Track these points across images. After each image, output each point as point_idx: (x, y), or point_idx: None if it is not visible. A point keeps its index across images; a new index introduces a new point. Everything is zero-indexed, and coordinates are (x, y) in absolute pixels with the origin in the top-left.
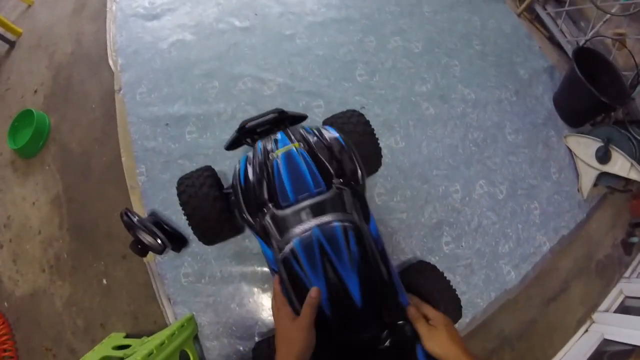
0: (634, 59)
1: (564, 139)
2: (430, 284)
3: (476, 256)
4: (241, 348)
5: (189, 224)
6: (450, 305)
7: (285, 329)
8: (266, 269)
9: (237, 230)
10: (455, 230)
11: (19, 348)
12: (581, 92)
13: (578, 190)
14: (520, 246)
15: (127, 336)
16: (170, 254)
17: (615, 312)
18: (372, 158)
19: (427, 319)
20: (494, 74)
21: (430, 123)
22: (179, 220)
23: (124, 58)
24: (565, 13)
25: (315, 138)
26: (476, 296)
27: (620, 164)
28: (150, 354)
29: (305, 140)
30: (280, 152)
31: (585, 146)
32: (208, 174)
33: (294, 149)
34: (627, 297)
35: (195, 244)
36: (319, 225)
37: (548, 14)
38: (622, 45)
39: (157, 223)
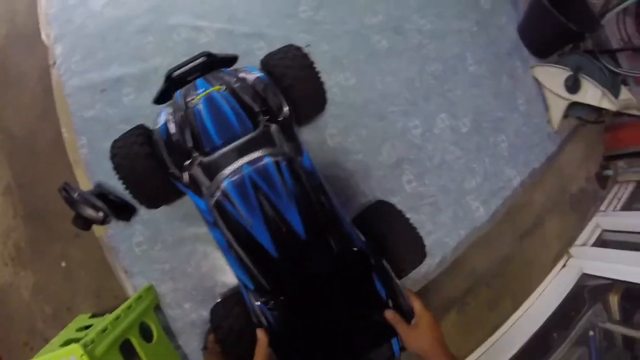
0: None
1: (531, 69)
2: (387, 225)
3: (441, 193)
4: (204, 313)
5: (126, 188)
6: (411, 246)
7: None
8: None
9: (177, 193)
10: (417, 168)
11: None
12: (547, 21)
13: (548, 122)
14: (488, 181)
15: (92, 316)
16: (120, 224)
17: (592, 246)
18: (315, 95)
19: (410, 315)
20: (453, 4)
21: (383, 57)
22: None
23: (57, 29)
24: None
25: (236, 79)
26: (445, 235)
27: (591, 93)
28: (104, 330)
29: (226, 83)
30: (200, 97)
31: (553, 76)
32: (139, 132)
33: (215, 92)
34: (604, 230)
35: (143, 211)
36: (249, 163)
37: None
38: None
39: (102, 194)
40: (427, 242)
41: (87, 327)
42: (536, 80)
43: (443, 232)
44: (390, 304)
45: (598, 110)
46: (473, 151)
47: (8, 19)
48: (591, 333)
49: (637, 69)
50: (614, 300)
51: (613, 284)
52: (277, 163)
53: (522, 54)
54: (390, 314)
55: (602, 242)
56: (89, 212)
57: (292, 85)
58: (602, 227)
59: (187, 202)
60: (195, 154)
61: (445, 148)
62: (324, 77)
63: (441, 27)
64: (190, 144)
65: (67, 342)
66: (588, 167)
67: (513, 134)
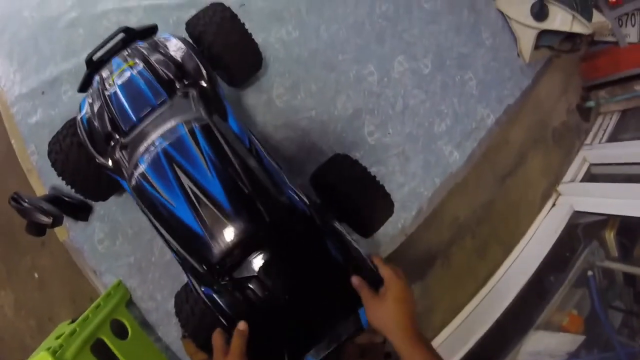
0: None
1: (493, 0)
2: (344, 180)
3: (408, 141)
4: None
5: (66, 184)
6: (375, 198)
7: None
8: None
9: (115, 185)
10: (378, 117)
11: None
12: None
13: (518, 54)
14: (460, 122)
15: (72, 321)
16: (80, 224)
17: (581, 181)
18: (249, 56)
19: (378, 285)
20: None
21: (326, 3)
22: None
23: None
24: None
25: (151, 50)
26: (418, 185)
27: (560, 18)
28: (72, 332)
29: (140, 56)
30: (114, 77)
31: (518, 5)
32: (70, 124)
33: (128, 68)
34: (592, 164)
35: (98, 207)
36: (162, 135)
37: None
38: None
39: (57, 197)
40: (400, 194)
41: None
42: (500, 12)
43: (416, 182)
44: (351, 269)
45: (571, 38)
46: (438, 92)
47: None
48: (590, 273)
49: None
50: (609, 236)
51: (607, 220)
52: (190, 129)
53: None
54: (355, 279)
55: (591, 177)
56: (39, 217)
57: (223, 51)
58: (590, 161)
59: None
60: (116, 137)
61: (407, 92)
62: (263, 34)
63: None
64: (109, 127)
65: (47, 351)
66: (568, 99)
67: (481, 70)
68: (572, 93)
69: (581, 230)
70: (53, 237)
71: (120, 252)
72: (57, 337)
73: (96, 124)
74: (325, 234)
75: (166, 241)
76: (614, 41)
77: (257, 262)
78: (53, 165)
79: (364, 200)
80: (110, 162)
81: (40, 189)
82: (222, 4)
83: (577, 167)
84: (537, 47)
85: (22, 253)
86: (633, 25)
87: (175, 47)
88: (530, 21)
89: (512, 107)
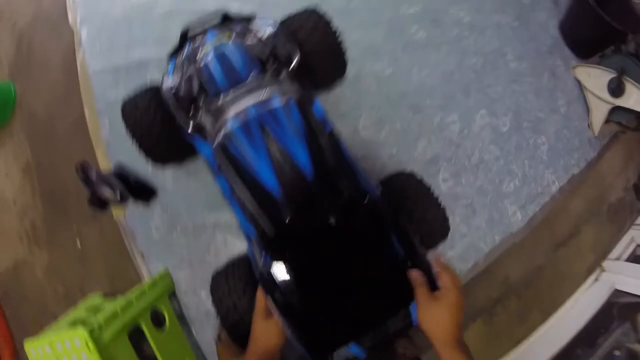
0: None
1: (572, 69)
2: (408, 194)
3: (478, 195)
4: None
5: (134, 141)
6: (433, 218)
7: (254, 325)
8: None
9: (189, 150)
10: (454, 166)
11: (10, 324)
12: (590, 19)
13: (588, 126)
14: (527, 185)
15: (104, 297)
16: (139, 207)
17: (626, 260)
18: (336, 62)
19: (434, 285)
20: None
21: (421, 48)
22: (146, 169)
23: (83, 12)
24: None
25: (246, 30)
26: (479, 239)
27: (635, 98)
28: (114, 314)
29: (235, 31)
30: (208, 47)
31: (596, 78)
32: (150, 89)
33: (224, 39)
34: (638, 245)
35: (163, 194)
36: (254, 103)
37: None
38: None
39: (122, 175)
40: (460, 245)
41: (96, 308)
42: (577, 81)
43: (477, 236)
44: (409, 263)
45: (638, 113)
46: (512, 152)
47: (34, 2)
48: (617, 352)
49: None
50: None
51: None
52: (286, 101)
53: (563, 53)
54: (415, 274)
55: (636, 258)
56: (106, 191)
57: (313, 51)
58: (637, 241)
59: (207, 189)
60: (201, 100)
61: (484, 147)
62: (357, 65)
63: (480, 20)
64: (196, 90)
65: (75, 322)
66: (627, 176)
67: (554, 136)
68: (632, 170)
69: (617, 309)
70: (107, 213)
71: (175, 243)
72: (88, 309)
73: (182, 87)
74: (391, 226)
75: (241, 200)
76: None
77: (323, 235)
78: (125, 121)
79: (425, 217)
80: (191, 124)
81: (106, 164)
82: (318, 12)
83: (624, 245)
84: (606, 121)
85: (69, 220)
86: None
87: (270, 32)
88: (606, 95)
89: (576, 177)
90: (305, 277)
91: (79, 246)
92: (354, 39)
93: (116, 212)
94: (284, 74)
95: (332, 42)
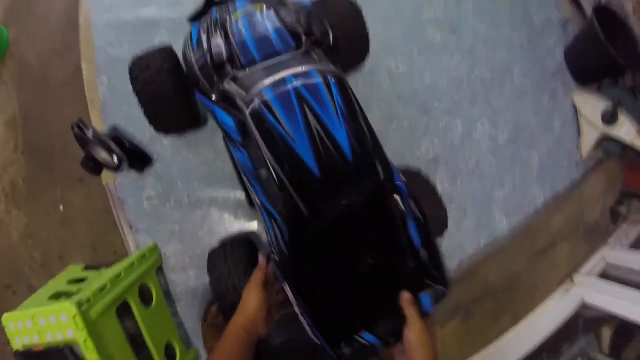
0: None
1: (572, 93)
2: (418, 194)
3: (470, 199)
4: (209, 284)
5: (140, 103)
6: (435, 213)
7: (247, 295)
8: (239, 194)
9: (196, 119)
10: (452, 169)
11: None
12: (596, 50)
13: (577, 148)
14: (515, 195)
15: (86, 268)
16: (131, 174)
17: (596, 277)
18: (360, 44)
19: (438, 281)
20: (508, 15)
21: (436, 52)
22: (143, 135)
23: None
24: None
25: (279, 2)
26: (465, 241)
27: (626, 128)
28: (102, 288)
29: (268, 2)
30: (239, 14)
31: (592, 105)
32: (164, 49)
33: (255, 10)
34: (608, 264)
35: (159, 164)
36: (293, 74)
37: None
38: None
39: (117, 138)
40: (448, 244)
41: (78, 280)
42: (574, 106)
43: (464, 237)
44: (424, 254)
45: (625, 146)
46: (507, 162)
47: None
48: None
49: None
50: (607, 333)
51: (608, 318)
52: (325, 77)
53: (565, 78)
54: (406, 296)
55: (604, 275)
56: (103, 154)
57: (340, 36)
58: (607, 260)
59: (208, 162)
60: (229, 68)
61: (481, 155)
62: (374, 59)
63: (495, 35)
64: (224, 55)
65: (56, 295)
66: (605, 200)
67: (545, 154)
68: (610, 196)
69: (583, 321)
70: (95, 177)
71: (168, 216)
72: (69, 282)
73: (208, 51)
74: (412, 215)
75: (268, 176)
76: None
77: (350, 216)
78: (133, 80)
79: (428, 211)
80: (215, 91)
81: (99, 125)
82: None
83: (595, 262)
84: (594, 147)
85: (53, 181)
86: None
87: (305, 8)
88: (599, 122)
89: (560, 195)
90: (328, 262)
91: (62, 210)
92: (374, 32)
93: (106, 177)
94: (318, 52)
95: (360, 30)
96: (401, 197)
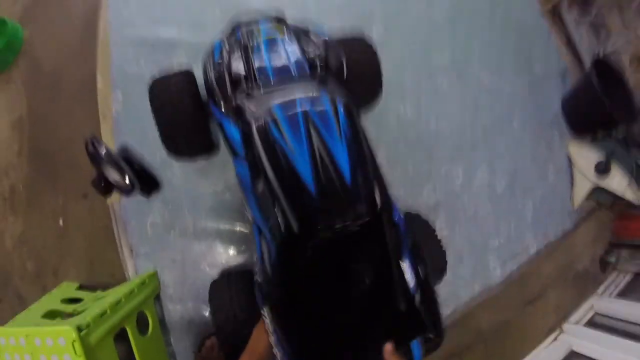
0: None
1: (567, 145)
2: (419, 237)
3: (467, 246)
4: (206, 314)
5: (156, 121)
6: (436, 259)
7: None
8: (245, 229)
9: (209, 145)
10: (451, 216)
11: None
12: (592, 101)
13: (570, 199)
14: (510, 243)
15: (80, 287)
16: (138, 197)
17: (585, 325)
18: (374, 89)
19: (431, 330)
20: (511, 62)
21: (442, 98)
22: (153, 158)
23: None
24: (588, 22)
25: (301, 32)
26: (460, 288)
27: (617, 181)
28: (103, 314)
29: (290, 31)
30: (262, 37)
31: (585, 156)
32: (186, 72)
33: (278, 35)
34: (597, 313)
35: (167, 190)
36: (304, 98)
37: (573, 19)
38: None
39: (127, 159)
40: (443, 291)
41: (73, 300)
42: (568, 156)
43: (460, 284)
44: (418, 299)
45: (616, 197)
46: (503, 211)
47: None
48: None
49: None
50: None
51: None
52: (333, 102)
53: (561, 127)
54: (388, 348)
55: (593, 323)
56: (116, 177)
57: (356, 74)
58: (596, 309)
59: (217, 195)
60: (244, 85)
61: (480, 203)
62: (384, 101)
63: (498, 83)
64: (243, 72)
65: (50, 313)
66: (595, 249)
67: (539, 202)
68: (599, 245)
69: None
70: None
71: (170, 244)
72: (63, 300)
73: (228, 65)
74: (408, 254)
75: (264, 190)
76: None
77: (343, 244)
78: (152, 99)
79: (430, 257)
80: (228, 105)
81: (110, 141)
82: (368, 39)
83: (584, 311)
84: (586, 197)
85: (56, 191)
86: None
87: (324, 40)
88: (591, 174)
89: (552, 243)
90: (313, 288)
91: (61, 223)
92: (385, 75)
93: (111, 197)
94: (331, 81)
95: (374, 72)
96: (398, 234)
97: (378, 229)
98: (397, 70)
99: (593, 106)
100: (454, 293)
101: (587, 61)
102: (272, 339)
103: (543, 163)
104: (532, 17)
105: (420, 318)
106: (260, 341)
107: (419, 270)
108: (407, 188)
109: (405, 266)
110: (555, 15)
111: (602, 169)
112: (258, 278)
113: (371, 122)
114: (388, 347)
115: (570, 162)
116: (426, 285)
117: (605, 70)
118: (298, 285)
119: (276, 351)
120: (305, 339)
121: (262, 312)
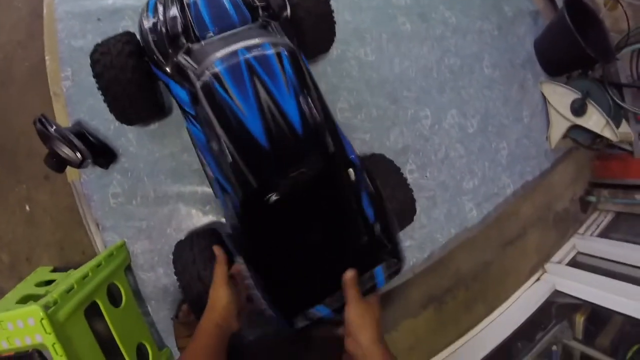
0: (627, 21)
1: (540, 84)
2: (383, 177)
3: (440, 189)
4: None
5: (100, 89)
6: (401, 195)
7: (213, 292)
8: (207, 189)
9: (159, 107)
10: (421, 159)
11: None
12: (566, 42)
13: (546, 138)
14: (485, 185)
15: (54, 270)
16: (97, 171)
17: (567, 265)
18: (325, 31)
19: (395, 254)
20: (479, 4)
21: (406, 40)
22: (107, 129)
23: None
24: None
25: None
26: (436, 231)
27: (595, 120)
28: (70, 289)
29: None
30: None
31: (561, 96)
32: (125, 34)
33: None
34: (579, 252)
35: (124, 159)
36: (245, 47)
37: None
38: (616, 4)
39: (81, 134)
40: (419, 234)
41: (47, 283)
42: (543, 96)
43: (435, 227)
44: (378, 228)
45: (595, 136)
46: (475, 152)
47: None
48: (554, 348)
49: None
50: (580, 319)
51: (581, 305)
52: (277, 51)
53: (535, 68)
54: (350, 274)
55: (575, 263)
56: (66, 151)
57: (305, 16)
58: (578, 249)
59: (174, 156)
60: (183, 40)
61: (450, 144)
62: (343, 46)
63: (465, 23)
64: (179, 28)
65: (25, 298)
66: (574, 189)
67: (514, 143)
68: (579, 185)
69: (556, 308)
70: (60, 174)
71: (134, 213)
72: (38, 284)
73: (164, 23)
74: (366, 189)
75: (219, 150)
76: (630, 150)
77: (302, 190)
78: (93, 64)
79: (396, 200)
80: (169, 64)
81: (63, 119)
82: None
83: (566, 251)
84: (564, 136)
85: (18, 179)
86: None
87: None
88: (568, 114)
89: (530, 183)
90: (279, 234)
91: (28, 209)
92: (343, 19)
93: (71, 175)
94: (274, 26)
95: (324, 12)
96: (354, 171)
97: (333, 170)
98: (357, 13)
99: (567, 45)
100: (429, 236)
101: (560, 2)
102: (249, 282)
103: (516, 104)
104: None
105: (382, 244)
106: (218, 299)
107: (377, 201)
108: (372, 133)
109: (364, 198)
110: None
111: (578, 108)
112: (229, 230)
113: (331, 68)
114: (348, 274)
115: (545, 103)
116: (384, 213)
117: (578, 11)
118: (265, 233)
119: (253, 293)
120: (277, 277)
121: (236, 259)
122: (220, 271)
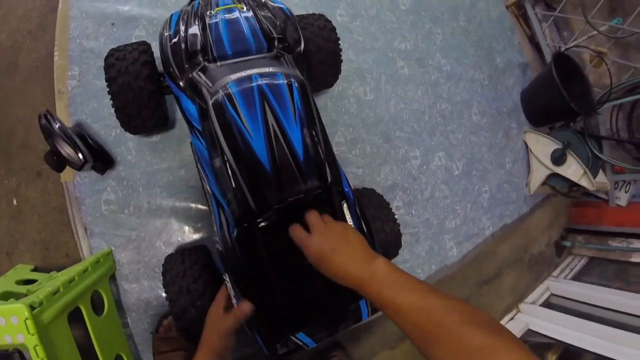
0: (610, 78)
1: (524, 133)
2: (373, 211)
3: (423, 226)
4: (163, 294)
5: (110, 94)
6: (389, 229)
7: (213, 317)
8: (202, 206)
9: (163, 119)
10: (408, 197)
11: None
12: (552, 94)
13: (526, 184)
14: (466, 225)
15: (35, 269)
16: (92, 175)
17: (541, 305)
18: (333, 66)
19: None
20: (473, 54)
21: (402, 83)
22: (108, 135)
23: None
24: (552, 18)
25: (259, 4)
26: (417, 266)
27: (573, 169)
28: (55, 292)
29: (248, 3)
30: (219, 9)
31: (542, 145)
32: (143, 43)
33: (235, 8)
34: (552, 294)
35: (122, 167)
36: (260, 74)
37: (536, 14)
38: (601, 62)
39: (82, 135)
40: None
41: (27, 282)
42: (526, 144)
43: (417, 262)
44: None
45: (572, 184)
46: (459, 194)
47: None
48: None
49: (617, 159)
50: (552, 358)
51: (554, 344)
52: (289, 82)
53: (519, 118)
54: (312, 213)
55: (549, 304)
56: (68, 151)
57: (314, 52)
58: (552, 291)
59: (172, 170)
60: (200, 58)
61: (436, 185)
62: (344, 83)
63: (459, 71)
64: (198, 45)
65: (4, 295)
66: (550, 233)
67: (495, 187)
68: (555, 229)
69: (529, 347)
70: (54, 172)
71: (125, 222)
72: (18, 282)
73: (184, 38)
74: (357, 222)
75: (221, 167)
76: (605, 199)
77: (295, 218)
78: (107, 68)
79: (383, 234)
80: (184, 78)
81: (64, 118)
82: (326, 17)
83: (540, 293)
84: (543, 183)
85: (10, 171)
86: (626, 192)
87: (283, 14)
88: (548, 162)
89: (508, 226)
90: (269, 257)
91: (15, 203)
92: (347, 58)
93: (65, 175)
94: (288, 58)
95: (332, 49)
96: (347, 204)
97: (328, 198)
98: (359, 54)
99: (552, 98)
100: (411, 270)
101: (549, 56)
102: (234, 301)
103: (500, 150)
104: (496, 12)
105: None
106: (223, 327)
107: (366, 236)
108: (365, 168)
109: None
110: (519, 9)
111: (558, 157)
112: (219, 247)
113: (331, 103)
114: (312, 215)
115: (527, 150)
116: (372, 245)
117: (565, 66)
118: (256, 255)
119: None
120: (263, 300)
121: (223, 277)
122: (223, 295)
